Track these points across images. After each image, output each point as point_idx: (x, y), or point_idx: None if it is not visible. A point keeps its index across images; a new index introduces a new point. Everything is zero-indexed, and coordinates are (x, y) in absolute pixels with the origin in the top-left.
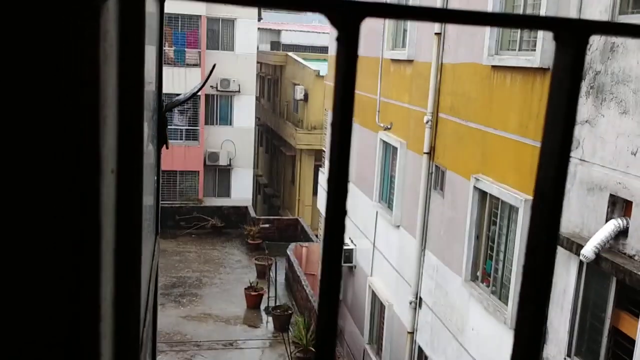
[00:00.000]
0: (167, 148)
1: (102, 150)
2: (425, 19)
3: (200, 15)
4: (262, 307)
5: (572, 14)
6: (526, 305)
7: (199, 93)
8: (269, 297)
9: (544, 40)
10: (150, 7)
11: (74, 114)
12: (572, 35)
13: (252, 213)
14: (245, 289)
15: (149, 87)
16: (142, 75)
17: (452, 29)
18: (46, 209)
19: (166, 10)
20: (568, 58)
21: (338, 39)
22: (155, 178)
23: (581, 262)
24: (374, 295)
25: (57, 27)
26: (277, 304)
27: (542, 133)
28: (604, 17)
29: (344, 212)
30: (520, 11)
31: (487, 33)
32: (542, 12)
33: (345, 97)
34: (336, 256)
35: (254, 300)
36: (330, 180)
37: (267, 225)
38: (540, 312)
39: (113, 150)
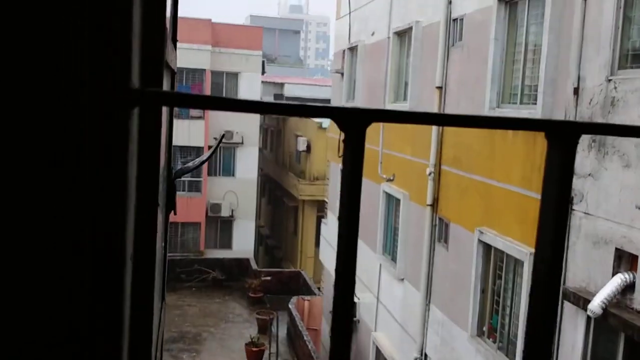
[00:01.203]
0: (174, 214)
1: (125, 240)
2: (424, 122)
3: (204, 69)
4: None
5: (572, 69)
6: None
7: (200, 143)
8: (270, 353)
9: (545, 94)
10: (165, 81)
11: (104, 209)
12: (562, 136)
13: (254, 265)
14: (246, 344)
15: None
16: (157, 170)
17: (453, 82)
18: (71, 296)
19: None
20: (558, 156)
21: (344, 141)
22: (163, 244)
23: (589, 318)
24: (378, 351)
25: (90, 134)
26: None
27: (537, 226)
28: (604, 72)
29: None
30: (520, 67)
31: (488, 86)
32: (542, 68)
33: (352, 193)
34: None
35: (254, 356)
36: (336, 283)
37: (268, 278)
38: None
39: (131, 239)
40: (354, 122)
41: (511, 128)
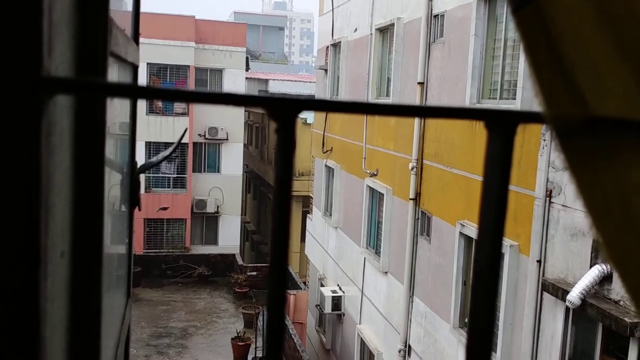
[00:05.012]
0: (139, 210)
1: (44, 237)
2: (356, 111)
3: (188, 66)
4: (250, 357)
5: None
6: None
7: (185, 140)
8: (256, 347)
9: (524, 88)
10: (123, 75)
11: (7, 207)
12: (501, 125)
13: (240, 261)
14: (232, 339)
15: (123, 150)
16: (99, 163)
17: (434, 78)
18: None
19: (155, 60)
20: (498, 146)
21: (276, 131)
22: (127, 240)
23: (567, 308)
24: (363, 344)
25: None
26: (265, 354)
27: (478, 216)
28: None
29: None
30: (500, 62)
31: (469, 81)
32: (521, 63)
33: (284, 179)
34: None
35: (241, 350)
36: (271, 266)
37: (254, 273)
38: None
39: (64, 234)
40: (284, 111)
41: (452, 117)
